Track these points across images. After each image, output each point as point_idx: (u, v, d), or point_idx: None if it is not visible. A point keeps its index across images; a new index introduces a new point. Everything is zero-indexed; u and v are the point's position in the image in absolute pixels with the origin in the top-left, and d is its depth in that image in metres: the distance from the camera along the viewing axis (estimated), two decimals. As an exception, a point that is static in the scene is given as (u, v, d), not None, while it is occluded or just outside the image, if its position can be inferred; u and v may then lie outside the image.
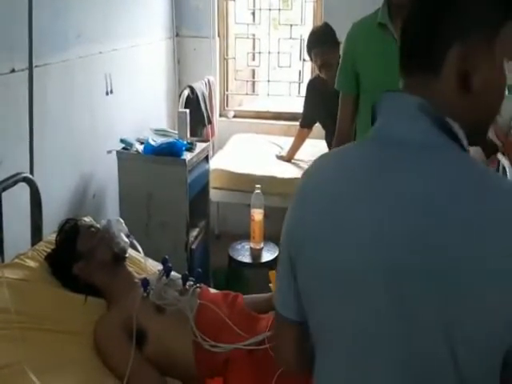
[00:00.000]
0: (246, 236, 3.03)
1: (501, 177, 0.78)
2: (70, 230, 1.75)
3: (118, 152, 2.74)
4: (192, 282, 1.72)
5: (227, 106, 4.23)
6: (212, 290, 1.81)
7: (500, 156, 3.36)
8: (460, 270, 0.71)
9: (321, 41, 2.96)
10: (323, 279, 0.83)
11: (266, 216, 2.96)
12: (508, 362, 0.75)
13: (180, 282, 1.70)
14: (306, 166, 3.40)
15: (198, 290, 1.71)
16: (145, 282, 1.63)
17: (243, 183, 3.18)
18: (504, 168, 3.28)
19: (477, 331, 0.73)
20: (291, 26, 4.07)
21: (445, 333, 0.73)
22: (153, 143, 2.73)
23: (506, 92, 3.32)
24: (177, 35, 3.92)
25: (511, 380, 0.77)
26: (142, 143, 2.80)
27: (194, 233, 2.92)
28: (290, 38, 4.08)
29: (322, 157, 0.92)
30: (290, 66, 4.12)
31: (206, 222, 3.11)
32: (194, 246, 2.84)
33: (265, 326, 1.59)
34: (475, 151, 3.37)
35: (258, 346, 1.51)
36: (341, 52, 2.27)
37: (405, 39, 0.84)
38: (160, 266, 1.82)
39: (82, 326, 1.58)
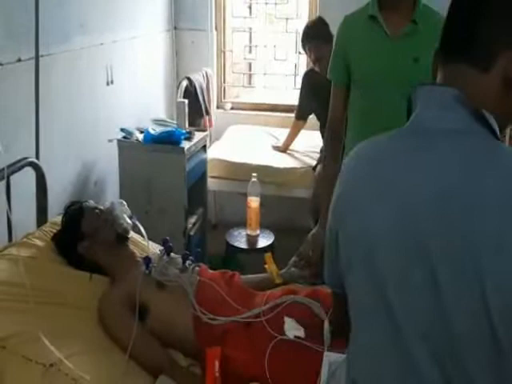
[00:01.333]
0: (243, 225, 3.12)
1: None
2: (76, 212, 1.84)
3: (118, 141, 2.82)
4: (191, 262, 1.81)
5: (224, 97, 4.31)
6: (210, 270, 1.90)
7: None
8: (480, 246, 0.81)
9: (315, 35, 3.05)
10: (357, 247, 0.94)
11: (261, 204, 3.05)
12: None
13: (180, 260, 1.80)
14: (301, 157, 3.50)
15: (197, 268, 1.80)
16: (147, 260, 1.73)
17: (240, 172, 3.26)
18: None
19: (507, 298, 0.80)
20: (287, 19, 4.15)
21: (481, 301, 0.81)
22: (152, 132, 2.82)
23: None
24: (175, 28, 3.99)
25: None
26: (141, 132, 2.89)
27: (192, 220, 3.01)
28: (286, 31, 4.17)
29: (364, 143, 1.02)
30: (285, 59, 4.20)
31: (203, 210, 3.20)
32: (191, 233, 2.93)
33: (260, 301, 1.69)
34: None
35: (254, 319, 1.61)
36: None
37: (453, 30, 0.92)
38: (161, 248, 1.92)
39: (88, 301, 1.67)
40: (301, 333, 1.57)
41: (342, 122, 2.03)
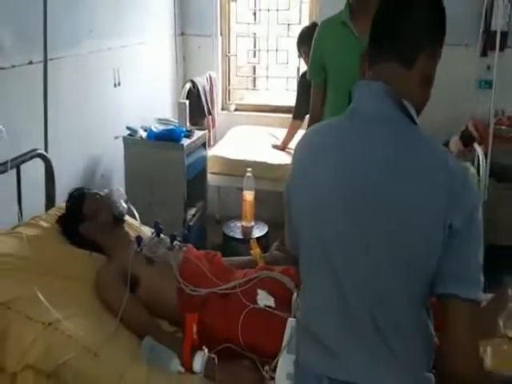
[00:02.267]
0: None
1: (432, 144, 1.10)
2: (78, 196, 2.07)
3: (124, 138, 3.06)
4: (178, 242, 2.02)
5: (229, 99, 4.54)
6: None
7: (476, 146, 3.62)
8: (398, 203, 1.04)
9: (309, 39, 3.23)
10: (301, 214, 1.17)
11: (257, 199, 3.25)
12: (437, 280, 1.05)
13: (168, 241, 2.01)
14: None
15: (185, 248, 2.01)
16: (139, 239, 1.94)
17: (237, 168, 3.47)
18: (478, 156, 3.54)
19: (411, 247, 1.04)
20: (288, 25, 4.36)
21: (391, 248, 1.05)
22: (155, 130, 3.05)
23: (481, 86, 3.56)
24: (182, 34, 4.23)
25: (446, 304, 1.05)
26: (145, 130, 3.12)
27: (192, 212, 3.23)
28: (288, 36, 4.37)
29: (311, 129, 1.26)
30: (287, 63, 4.41)
31: (203, 203, 3.42)
32: (191, 223, 3.15)
33: (238, 276, 1.89)
34: (455, 141, 3.65)
35: (230, 291, 1.81)
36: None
37: (381, 33, 1.14)
38: (152, 231, 2.13)
39: (86, 273, 1.88)
40: (271, 302, 1.77)
41: (321, 116, 2.23)
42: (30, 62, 2.36)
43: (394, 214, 1.04)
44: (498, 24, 3.17)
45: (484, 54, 3.77)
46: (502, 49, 3.30)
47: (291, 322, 1.64)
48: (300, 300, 1.27)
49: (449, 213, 1.01)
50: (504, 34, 3.47)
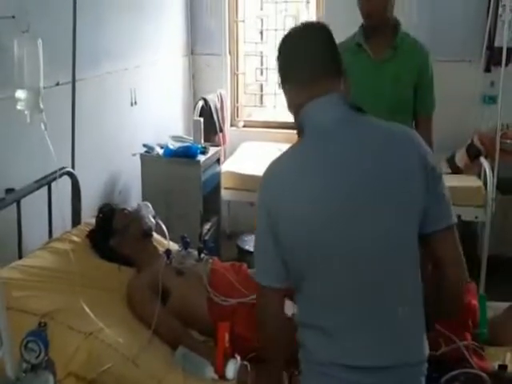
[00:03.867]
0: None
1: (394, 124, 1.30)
2: (108, 211, 2.16)
3: (141, 155, 3.16)
4: (205, 254, 2.10)
5: (237, 116, 4.64)
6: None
7: (482, 159, 3.72)
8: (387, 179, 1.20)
9: None
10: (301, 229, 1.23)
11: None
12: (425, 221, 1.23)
13: (196, 253, 2.09)
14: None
15: (211, 260, 2.10)
16: (168, 252, 2.03)
17: (250, 183, 3.54)
18: (485, 170, 3.64)
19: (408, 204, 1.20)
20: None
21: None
22: (172, 147, 3.15)
23: (485, 101, 3.65)
24: (192, 53, 4.34)
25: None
26: (161, 147, 3.21)
27: (207, 226, 3.31)
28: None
29: (283, 153, 1.38)
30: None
31: (217, 218, 3.51)
32: (206, 238, 3.23)
33: (264, 287, 1.97)
34: (461, 154, 3.75)
35: (258, 301, 1.88)
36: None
37: (315, 62, 1.31)
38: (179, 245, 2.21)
39: (117, 286, 1.97)
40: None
41: None
42: (57, 84, 2.46)
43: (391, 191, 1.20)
44: (504, 39, 3.27)
45: (487, 69, 3.88)
46: (505, 64, 3.39)
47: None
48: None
49: (426, 164, 1.21)
50: (510, 50, 3.54)
